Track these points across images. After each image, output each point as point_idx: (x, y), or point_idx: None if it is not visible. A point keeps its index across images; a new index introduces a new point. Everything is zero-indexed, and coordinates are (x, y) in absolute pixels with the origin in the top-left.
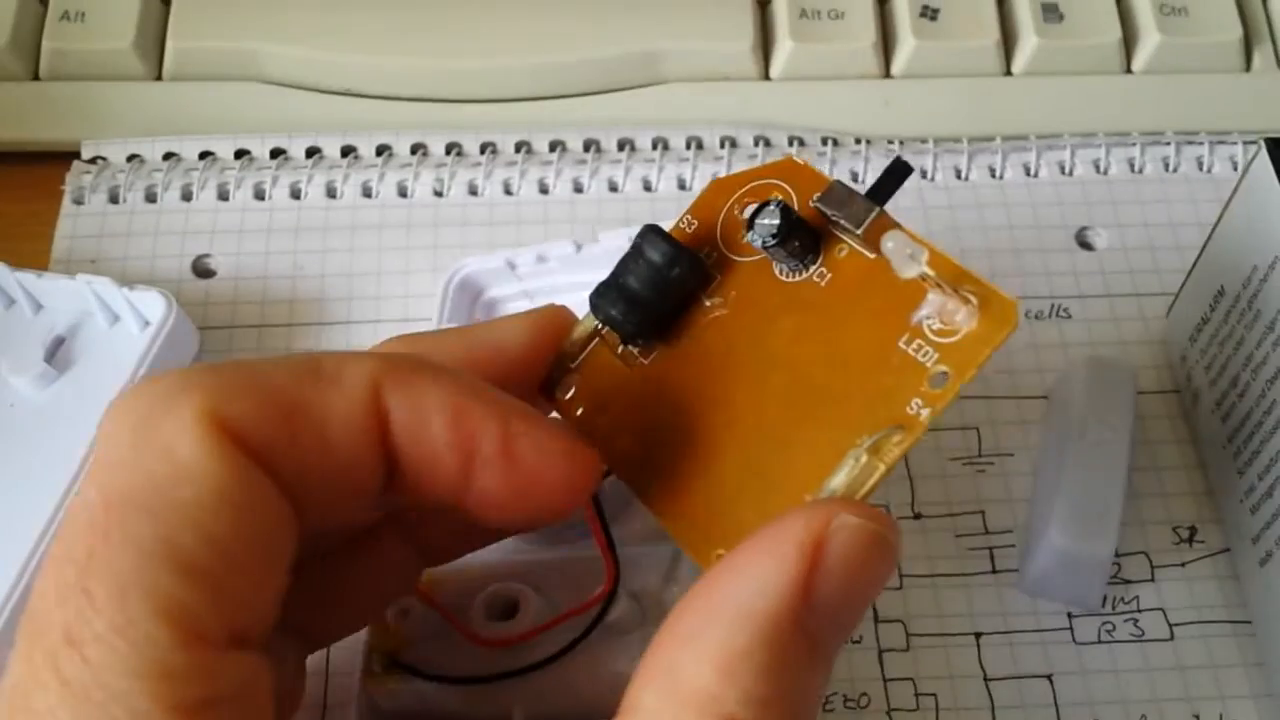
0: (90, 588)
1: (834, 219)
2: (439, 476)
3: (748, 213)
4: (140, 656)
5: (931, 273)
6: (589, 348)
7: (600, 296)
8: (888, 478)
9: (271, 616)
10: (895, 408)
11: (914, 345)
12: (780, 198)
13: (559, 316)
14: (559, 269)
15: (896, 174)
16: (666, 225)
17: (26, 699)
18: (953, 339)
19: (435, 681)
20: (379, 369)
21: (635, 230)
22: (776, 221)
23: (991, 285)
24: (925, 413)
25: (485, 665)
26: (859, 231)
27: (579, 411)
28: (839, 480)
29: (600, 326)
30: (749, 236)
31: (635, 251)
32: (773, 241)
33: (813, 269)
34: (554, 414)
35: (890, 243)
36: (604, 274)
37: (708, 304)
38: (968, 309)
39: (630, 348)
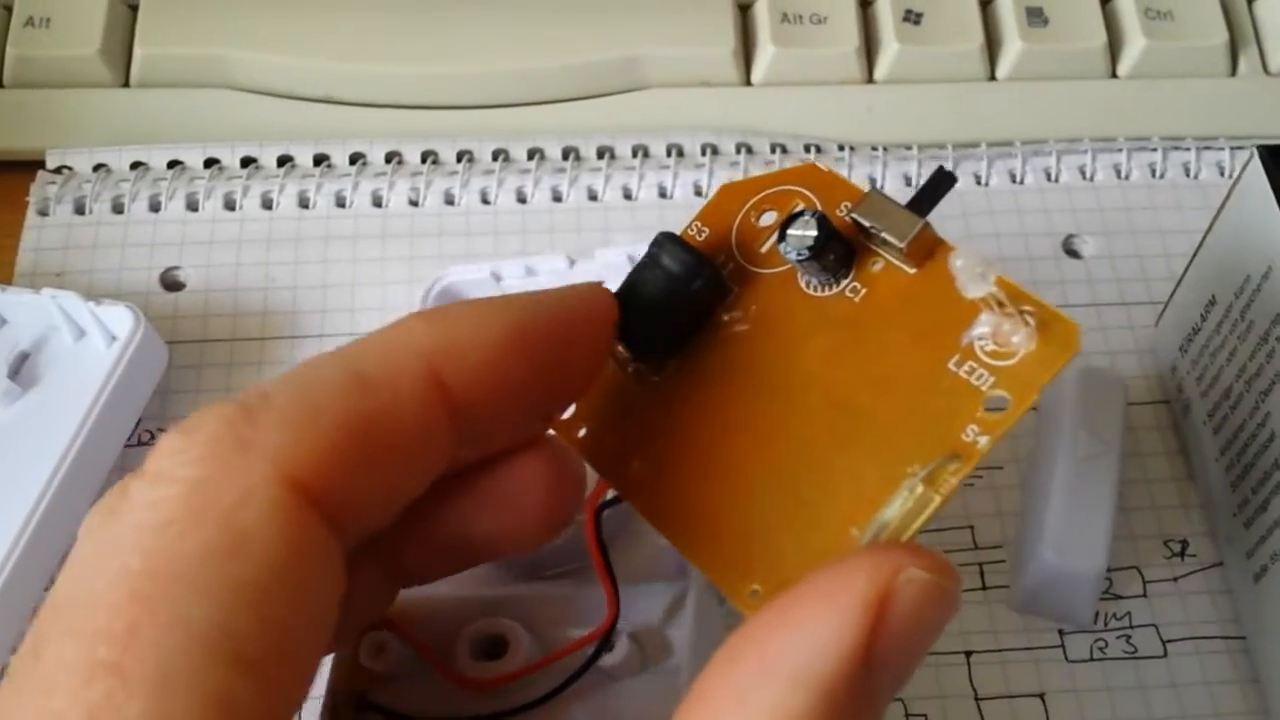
0: (126, 668)
1: (873, 231)
2: (515, 405)
3: (767, 220)
4: None
5: (1000, 292)
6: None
7: (620, 333)
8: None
9: (299, 706)
10: (949, 434)
11: (965, 367)
12: (808, 207)
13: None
14: (549, 284)
15: (940, 184)
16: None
17: None
18: (1009, 362)
19: None
20: (432, 350)
21: (633, 249)
22: (814, 233)
23: (1052, 307)
24: (984, 440)
25: (466, 705)
26: (903, 245)
27: (581, 433)
28: (892, 512)
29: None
30: (782, 247)
31: (651, 261)
32: (808, 254)
33: (844, 284)
34: (549, 431)
35: (960, 260)
36: None
37: (726, 319)
38: (1026, 330)
39: (642, 365)
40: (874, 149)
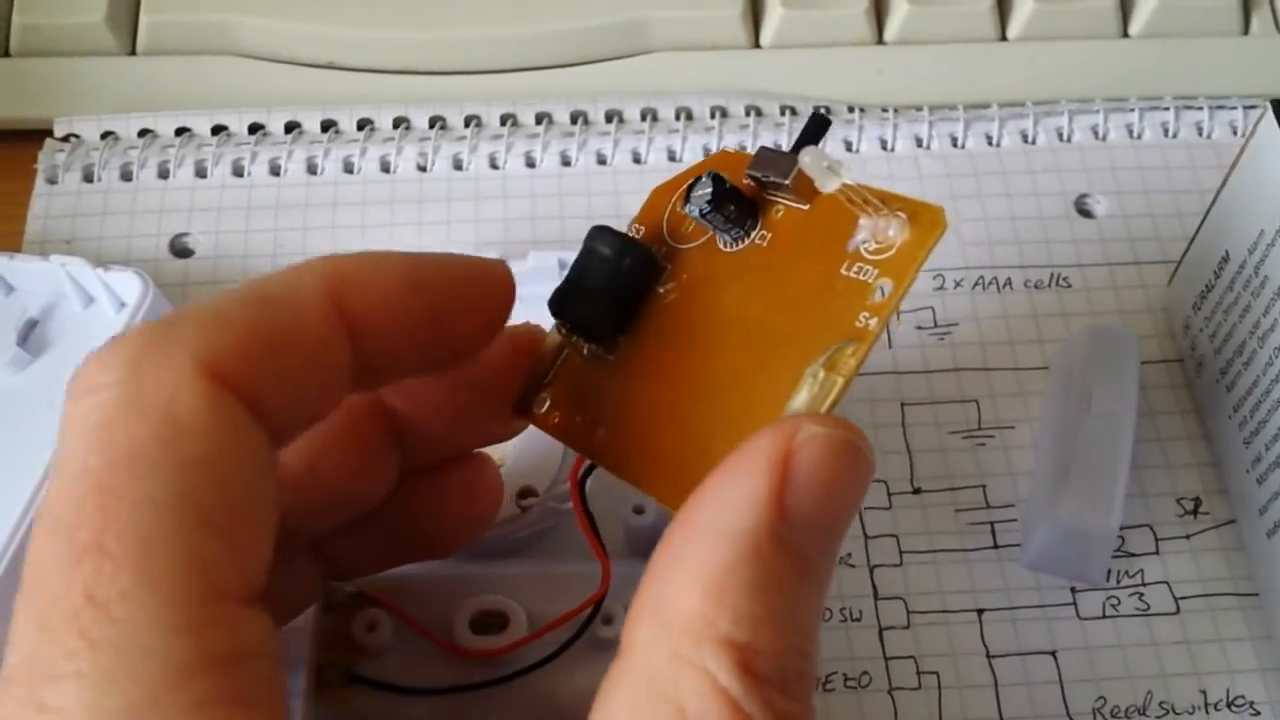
0: (108, 546)
1: (764, 179)
2: (410, 343)
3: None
4: (171, 611)
5: (851, 183)
6: (559, 359)
7: (563, 302)
8: (848, 391)
9: (267, 570)
10: (845, 326)
11: (855, 269)
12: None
13: (534, 335)
14: None
15: (816, 127)
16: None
17: (49, 665)
18: (889, 254)
19: (406, 694)
20: (329, 275)
21: (563, 254)
22: (709, 189)
23: (916, 199)
24: (874, 322)
25: (452, 678)
26: (787, 181)
27: (555, 420)
28: (800, 400)
29: (567, 334)
30: (688, 209)
31: (587, 252)
32: (709, 207)
33: (754, 234)
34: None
35: (807, 157)
36: (522, 290)
37: (661, 291)
38: (898, 222)
39: (596, 347)
40: (884, 111)
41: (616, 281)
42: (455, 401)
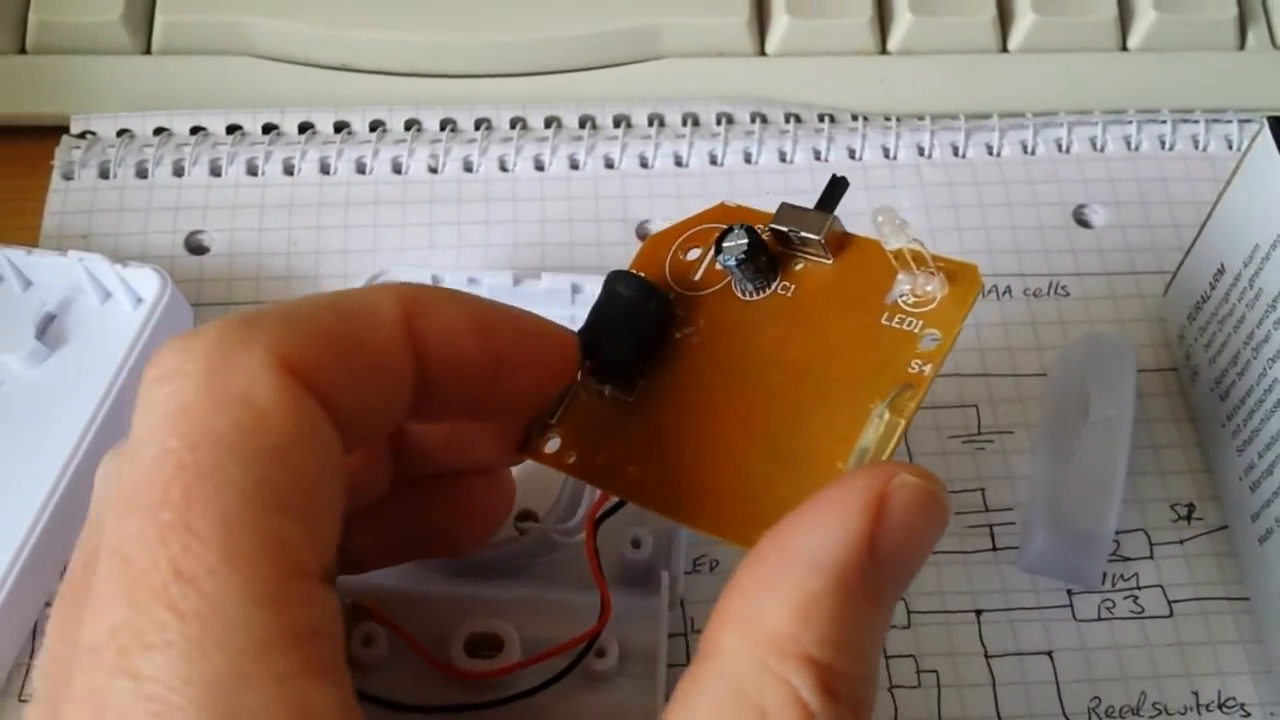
0: (194, 525)
1: (791, 233)
2: (471, 385)
3: (693, 255)
4: (256, 587)
5: (917, 241)
6: (566, 400)
7: (583, 341)
8: (906, 433)
9: (335, 553)
10: (897, 372)
11: (896, 320)
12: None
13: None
14: (488, 295)
15: (838, 188)
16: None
17: (138, 636)
18: (930, 307)
19: (398, 710)
20: (405, 299)
21: (576, 278)
22: (745, 240)
23: (953, 257)
24: (928, 368)
25: (444, 698)
26: (820, 237)
27: (571, 460)
28: (868, 439)
29: (586, 375)
30: (720, 258)
31: (609, 294)
32: (744, 257)
33: (775, 285)
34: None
35: (881, 215)
36: (543, 313)
37: (679, 336)
38: (938, 279)
39: (613, 389)
40: (887, 119)
41: (640, 324)
42: (456, 431)
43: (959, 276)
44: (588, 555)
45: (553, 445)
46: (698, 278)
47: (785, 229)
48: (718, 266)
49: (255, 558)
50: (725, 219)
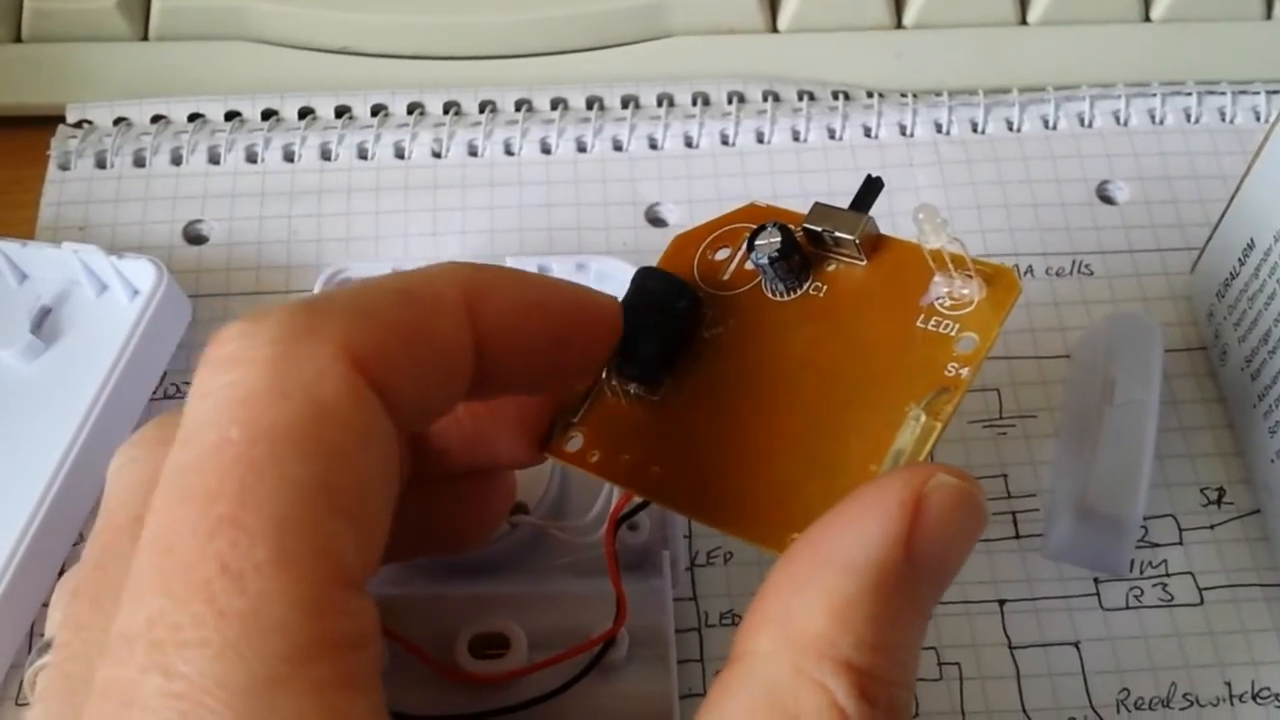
0: (246, 520)
1: (825, 233)
2: (528, 363)
3: (722, 255)
4: (301, 591)
5: (958, 241)
6: (590, 396)
7: (618, 357)
8: (942, 436)
9: (383, 549)
10: (934, 375)
11: (932, 323)
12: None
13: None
14: None
15: (872, 189)
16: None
17: (174, 631)
18: (968, 310)
19: None
20: (468, 284)
21: (580, 259)
22: (778, 239)
23: (989, 261)
24: (965, 371)
25: (453, 703)
26: (855, 238)
27: (594, 459)
28: (904, 441)
29: (612, 373)
30: (753, 256)
31: (638, 293)
32: (776, 256)
33: (807, 285)
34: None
35: (922, 214)
36: None
37: (707, 335)
38: (975, 282)
39: (640, 387)
40: (903, 96)
41: (669, 322)
42: (476, 427)
43: (997, 280)
44: (607, 556)
45: (575, 444)
46: (726, 277)
47: (819, 229)
48: (748, 265)
49: (305, 561)
50: (755, 219)
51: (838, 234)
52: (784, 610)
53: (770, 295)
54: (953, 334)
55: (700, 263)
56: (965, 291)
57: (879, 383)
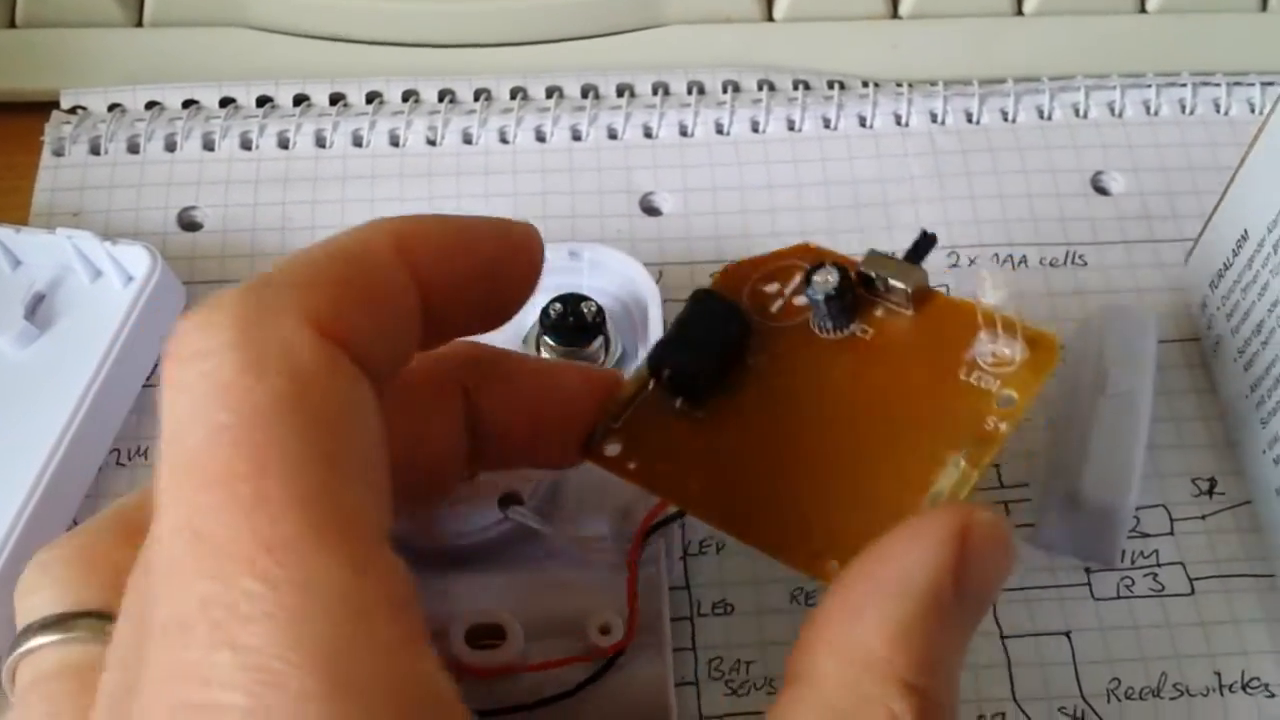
0: (272, 495)
1: (879, 279)
2: (463, 306)
3: (772, 288)
4: (344, 555)
5: (1010, 299)
6: (633, 404)
7: (668, 353)
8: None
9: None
10: (974, 426)
11: (974, 376)
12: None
13: (612, 380)
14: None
15: (926, 244)
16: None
17: (231, 609)
18: (1009, 368)
19: None
20: (397, 233)
21: (573, 246)
22: (835, 278)
23: (1033, 326)
24: (1004, 426)
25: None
26: (908, 288)
27: (632, 465)
28: (943, 484)
29: (661, 384)
30: (808, 291)
31: (693, 311)
32: (833, 293)
33: (853, 327)
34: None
35: (985, 271)
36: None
37: (752, 362)
38: (1019, 343)
39: (684, 403)
40: (899, 86)
41: (721, 343)
42: (529, 425)
43: (1039, 344)
44: (629, 568)
45: (613, 449)
46: (775, 310)
47: (872, 274)
48: (799, 301)
49: (335, 526)
50: (808, 258)
51: (891, 281)
52: (843, 633)
53: (817, 332)
54: (994, 390)
55: (750, 293)
56: (1007, 351)
57: (917, 426)
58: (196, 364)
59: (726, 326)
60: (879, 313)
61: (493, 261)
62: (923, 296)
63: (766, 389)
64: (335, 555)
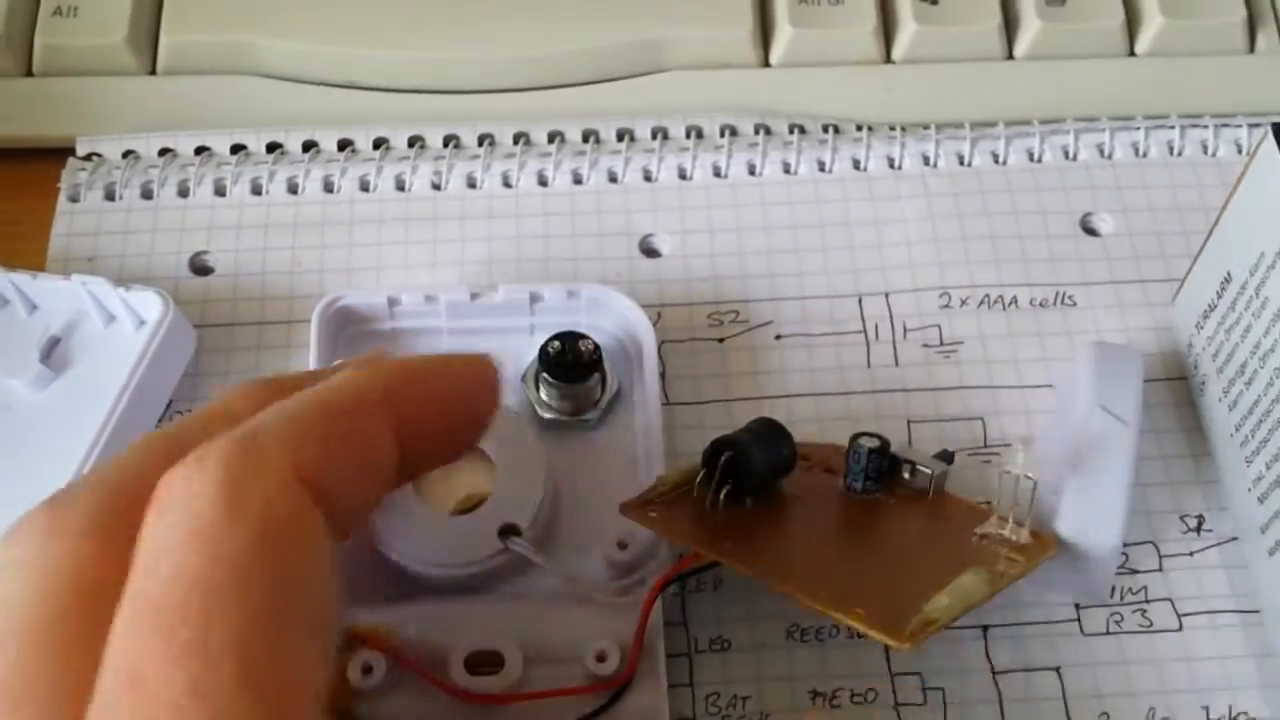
0: (211, 643)
1: (906, 462)
2: (435, 450)
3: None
4: (269, 708)
5: (1030, 479)
6: (679, 490)
7: (730, 450)
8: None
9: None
10: (986, 562)
11: (984, 541)
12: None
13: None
14: (446, 314)
15: (948, 457)
16: None
17: None
18: (1013, 544)
19: None
20: (391, 389)
21: (535, 288)
22: (879, 441)
23: (1036, 529)
24: (1012, 570)
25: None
26: (933, 473)
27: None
28: (942, 602)
29: (718, 471)
30: (852, 450)
31: (758, 426)
32: (875, 448)
33: (875, 494)
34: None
35: (1019, 445)
36: (493, 323)
37: (786, 488)
38: (1023, 530)
39: (728, 499)
40: (892, 129)
41: (774, 458)
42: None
43: (1039, 537)
44: (642, 614)
45: (653, 514)
46: (811, 463)
47: (903, 457)
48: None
49: (271, 679)
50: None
51: (919, 467)
52: None
53: (845, 489)
54: (1001, 553)
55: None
56: (1010, 534)
57: (933, 559)
58: (176, 510)
59: (781, 449)
60: (901, 490)
61: (463, 405)
62: (939, 488)
63: (795, 507)
64: (259, 706)
